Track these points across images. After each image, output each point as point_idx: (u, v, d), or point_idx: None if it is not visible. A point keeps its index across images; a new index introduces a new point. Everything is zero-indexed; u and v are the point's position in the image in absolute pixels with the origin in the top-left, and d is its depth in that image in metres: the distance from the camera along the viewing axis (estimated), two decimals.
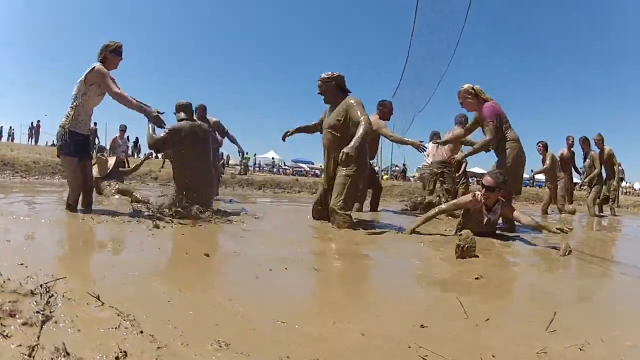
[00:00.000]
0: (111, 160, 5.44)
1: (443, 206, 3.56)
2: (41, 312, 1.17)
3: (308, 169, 29.89)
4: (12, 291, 1.24)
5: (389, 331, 1.28)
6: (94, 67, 3.25)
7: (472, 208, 3.33)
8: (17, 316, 1.15)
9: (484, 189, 3.22)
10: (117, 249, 2.31)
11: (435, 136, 6.44)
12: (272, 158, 30.45)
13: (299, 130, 4.09)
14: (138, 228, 2.85)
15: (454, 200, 3.79)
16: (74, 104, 3.27)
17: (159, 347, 1.04)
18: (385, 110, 5.09)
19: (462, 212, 3.52)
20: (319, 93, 3.68)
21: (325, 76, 3.60)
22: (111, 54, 3.32)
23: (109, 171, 5.24)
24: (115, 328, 1.12)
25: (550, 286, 2.08)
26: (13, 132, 25.67)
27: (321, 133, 3.90)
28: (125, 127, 9.29)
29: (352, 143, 3.18)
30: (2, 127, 25.33)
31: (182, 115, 3.86)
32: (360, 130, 3.25)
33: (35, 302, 1.20)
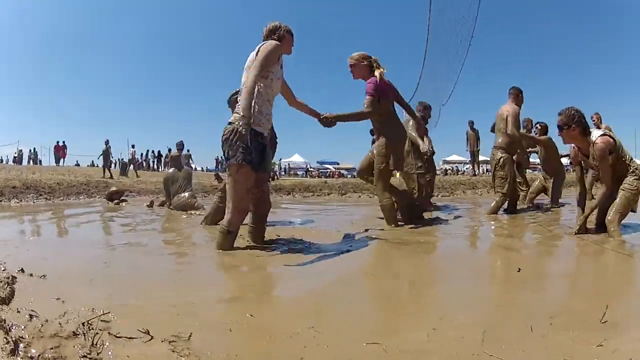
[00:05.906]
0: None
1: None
2: (87, 356, 1.04)
3: (334, 169, 29.47)
4: (53, 335, 1.11)
5: None
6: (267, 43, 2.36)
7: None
8: None
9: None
10: (177, 268, 2.15)
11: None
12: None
13: None
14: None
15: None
16: None
17: None
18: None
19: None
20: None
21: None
22: (289, 35, 2.49)
23: None
24: None
25: None
26: (35, 154, 25.24)
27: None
28: None
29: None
30: (22, 150, 25.26)
31: None
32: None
33: (80, 344, 1.07)
